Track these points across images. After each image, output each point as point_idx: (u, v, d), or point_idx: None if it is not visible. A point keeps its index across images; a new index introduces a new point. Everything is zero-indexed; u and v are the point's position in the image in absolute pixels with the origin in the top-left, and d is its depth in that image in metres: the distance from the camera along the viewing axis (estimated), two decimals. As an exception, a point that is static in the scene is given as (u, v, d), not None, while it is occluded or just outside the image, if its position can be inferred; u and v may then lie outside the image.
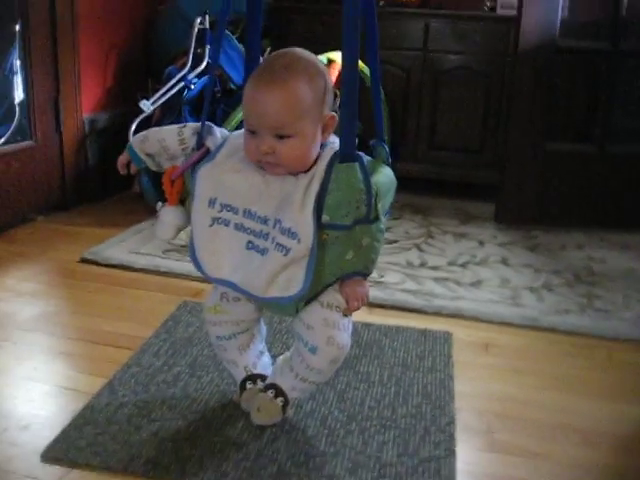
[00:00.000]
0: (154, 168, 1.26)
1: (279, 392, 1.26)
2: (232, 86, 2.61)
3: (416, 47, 2.89)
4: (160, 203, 1.25)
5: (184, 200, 1.24)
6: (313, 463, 1.18)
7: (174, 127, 1.23)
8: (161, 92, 2.49)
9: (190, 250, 1.16)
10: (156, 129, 1.25)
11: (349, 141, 1.08)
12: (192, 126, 1.22)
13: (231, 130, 2.24)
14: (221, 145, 1.17)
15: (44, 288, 1.91)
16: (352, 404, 1.36)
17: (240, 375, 1.31)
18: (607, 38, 2.53)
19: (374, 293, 1.81)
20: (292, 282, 1.09)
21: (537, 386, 1.49)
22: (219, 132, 1.21)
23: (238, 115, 2.40)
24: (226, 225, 1.13)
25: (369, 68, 1.21)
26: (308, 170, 1.10)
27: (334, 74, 2.35)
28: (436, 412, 1.35)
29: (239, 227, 1.12)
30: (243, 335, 1.29)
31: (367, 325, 1.70)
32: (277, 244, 1.09)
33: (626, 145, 2.60)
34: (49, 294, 1.87)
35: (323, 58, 2.44)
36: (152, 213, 2.43)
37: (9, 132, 2.44)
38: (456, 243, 2.41)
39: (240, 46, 2.63)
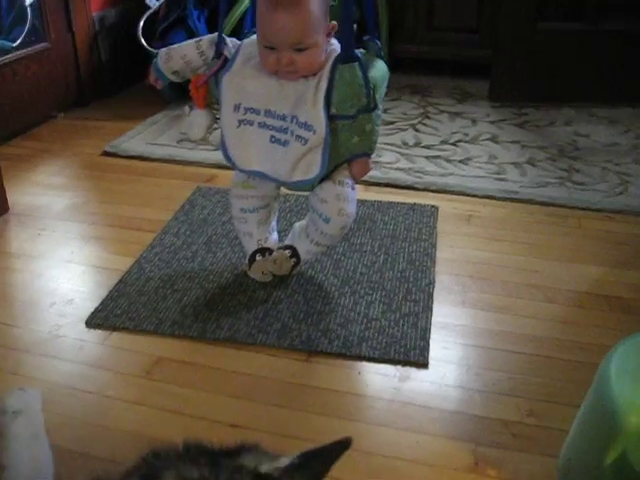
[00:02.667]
0: (179, 80, 1.44)
1: (294, 253, 1.49)
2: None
3: None
4: (188, 107, 1.44)
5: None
6: (311, 320, 1.41)
7: (192, 42, 1.39)
8: (165, -13, 2.59)
9: (222, 149, 1.37)
10: (176, 46, 1.40)
11: (349, 44, 1.26)
12: (208, 39, 1.38)
13: (232, 24, 2.38)
14: (236, 54, 1.33)
15: (71, 181, 2.11)
16: (346, 271, 1.58)
17: (252, 247, 1.52)
18: None
19: (370, 172, 1.98)
20: (311, 166, 1.31)
21: (509, 251, 1.69)
22: (231, 42, 1.37)
23: (241, 6, 2.50)
24: (251, 125, 1.33)
25: None
26: (315, 72, 1.28)
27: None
28: (418, 275, 1.56)
29: (262, 125, 1.32)
30: (264, 210, 1.49)
31: (362, 201, 1.88)
32: (296, 136, 1.29)
33: (618, 22, 2.66)
34: (76, 186, 2.08)
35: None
36: (165, 105, 2.61)
37: (23, 34, 2.57)
38: (451, 122, 2.55)
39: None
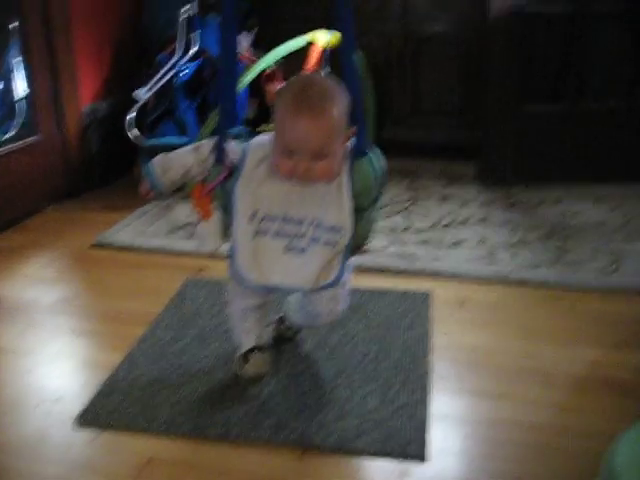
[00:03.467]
0: (173, 189, 1.37)
1: (289, 326, 1.58)
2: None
3: (395, 16, 3.01)
4: (195, 224, 1.40)
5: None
6: (307, 413, 1.38)
7: (190, 149, 1.34)
8: (154, 80, 2.64)
9: (232, 267, 1.30)
10: (173, 155, 1.33)
11: (363, 139, 1.27)
12: (206, 146, 1.33)
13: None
14: (243, 158, 1.29)
15: (61, 274, 2.09)
16: (340, 361, 1.55)
17: (249, 344, 1.46)
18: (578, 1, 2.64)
19: (362, 259, 1.98)
20: (333, 268, 1.28)
21: (504, 336, 1.68)
22: (235, 145, 1.31)
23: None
24: (264, 235, 1.27)
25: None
26: None
27: (314, 56, 2.49)
28: (413, 365, 1.53)
29: (277, 234, 1.27)
30: (265, 307, 1.46)
31: (354, 289, 1.86)
32: (325, 241, 1.26)
33: (598, 102, 2.73)
34: (66, 279, 2.06)
35: (305, 38, 2.57)
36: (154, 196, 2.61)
37: (13, 127, 2.60)
38: (440, 205, 2.57)
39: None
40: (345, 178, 1.26)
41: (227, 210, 1.32)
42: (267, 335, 1.53)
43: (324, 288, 1.30)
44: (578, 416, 1.38)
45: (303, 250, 1.27)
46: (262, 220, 1.27)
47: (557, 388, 1.48)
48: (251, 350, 1.46)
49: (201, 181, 1.34)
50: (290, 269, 1.28)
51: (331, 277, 1.29)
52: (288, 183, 1.25)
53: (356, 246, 1.35)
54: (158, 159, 1.34)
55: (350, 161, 1.27)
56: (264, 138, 1.31)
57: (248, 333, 1.47)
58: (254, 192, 1.27)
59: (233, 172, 1.29)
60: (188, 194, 1.37)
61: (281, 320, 1.60)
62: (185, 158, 1.33)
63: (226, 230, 1.35)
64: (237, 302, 1.45)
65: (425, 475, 1.23)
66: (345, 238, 1.27)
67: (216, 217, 1.35)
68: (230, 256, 1.31)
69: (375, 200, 1.32)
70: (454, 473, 1.24)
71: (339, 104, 1.22)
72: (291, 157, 1.21)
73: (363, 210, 1.30)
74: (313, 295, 1.36)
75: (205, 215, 1.34)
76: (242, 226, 1.28)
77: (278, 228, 1.27)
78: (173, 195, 2.59)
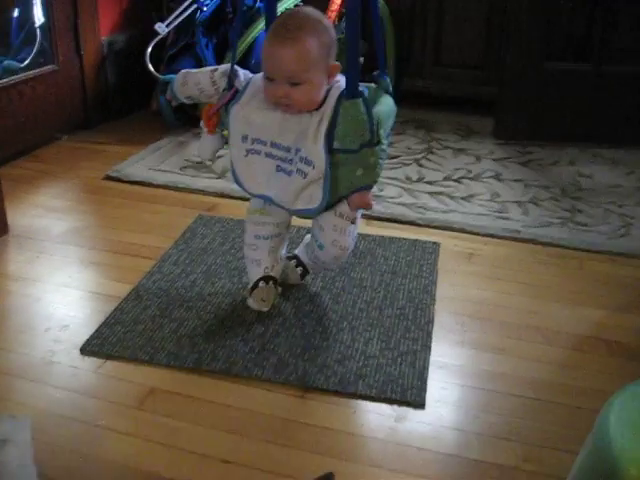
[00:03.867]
0: (191, 103, 1.58)
1: (299, 263, 1.61)
2: (244, 7, 2.70)
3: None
4: (203, 128, 1.48)
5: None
6: (308, 355, 1.40)
7: (207, 71, 1.46)
8: (174, 14, 2.60)
9: (232, 175, 1.43)
10: (192, 72, 1.49)
11: (353, 80, 1.29)
12: (221, 69, 1.44)
13: (243, 50, 2.40)
14: (245, 87, 1.39)
15: (72, 204, 2.10)
16: (344, 306, 1.57)
17: (258, 274, 1.52)
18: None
19: (373, 207, 1.98)
20: (313, 197, 1.34)
21: (510, 291, 1.68)
22: (243, 75, 1.42)
23: (251, 34, 2.52)
24: (258, 154, 1.37)
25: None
26: (319, 107, 1.31)
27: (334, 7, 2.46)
28: (417, 313, 1.55)
29: (269, 155, 1.37)
30: (277, 238, 1.52)
31: (364, 235, 1.88)
32: (297, 169, 1.33)
33: (622, 65, 2.67)
34: (77, 210, 2.07)
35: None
36: (169, 131, 2.61)
37: (31, 55, 2.59)
38: (454, 158, 2.55)
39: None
40: (326, 115, 1.30)
41: (228, 130, 1.42)
42: (278, 269, 1.55)
43: (303, 213, 1.40)
44: (578, 375, 1.39)
45: (290, 172, 1.35)
46: (253, 142, 1.37)
47: (559, 346, 1.48)
48: (259, 281, 1.51)
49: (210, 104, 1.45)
50: (278, 186, 1.37)
51: (310, 205, 1.35)
52: (275, 113, 1.34)
53: (352, 189, 1.35)
54: (180, 74, 1.50)
55: (337, 99, 1.30)
56: None
57: (257, 263, 1.52)
58: (245, 117, 1.37)
59: (235, 97, 1.39)
60: (200, 113, 1.48)
61: (290, 258, 1.62)
62: (200, 77, 1.46)
63: (222, 146, 1.50)
64: (250, 229, 1.52)
65: (421, 421, 1.25)
66: (316, 172, 1.31)
67: (217, 135, 1.46)
68: (231, 168, 1.43)
69: (370, 144, 1.30)
70: (450, 421, 1.26)
71: (317, 35, 1.29)
72: (272, 83, 1.31)
73: (352, 151, 1.30)
74: (319, 223, 1.43)
75: (209, 130, 1.45)
76: (236, 144, 1.39)
77: (269, 150, 1.36)
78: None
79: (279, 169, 1.36)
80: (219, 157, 2.15)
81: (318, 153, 1.30)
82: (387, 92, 1.41)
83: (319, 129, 1.30)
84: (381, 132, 1.31)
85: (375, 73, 1.42)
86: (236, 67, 1.41)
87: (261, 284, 1.51)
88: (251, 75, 1.42)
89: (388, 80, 1.42)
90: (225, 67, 1.44)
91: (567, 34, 2.69)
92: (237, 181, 1.43)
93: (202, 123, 1.45)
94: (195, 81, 1.47)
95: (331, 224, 1.41)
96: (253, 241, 1.52)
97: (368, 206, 1.39)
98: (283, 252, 1.57)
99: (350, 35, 1.27)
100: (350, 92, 1.29)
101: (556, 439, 1.22)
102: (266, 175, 1.38)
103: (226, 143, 1.46)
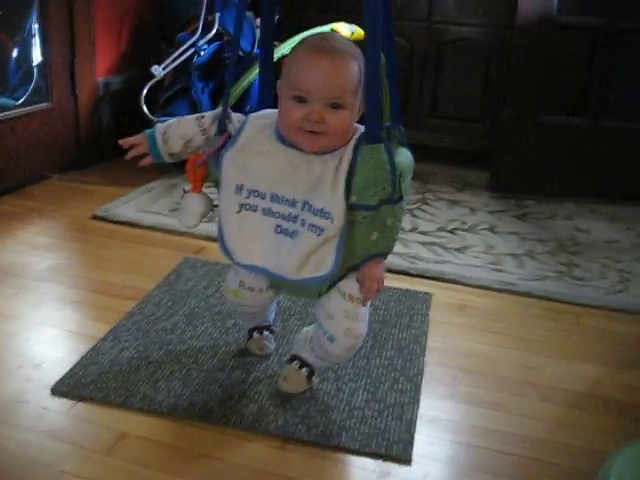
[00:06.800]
0: (173, 161, 1.28)
1: (304, 363, 1.35)
2: (241, 53, 2.71)
3: (420, 18, 2.96)
4: (183, 191, 1.28)
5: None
6: (290, 404, 1.32)
7: (192, 118, 1.25)
8: (172, 57, 2.60)
9: (219, 237, 1.19)
10: (174, 122, 1.25)
11: (375, 123, 1.11)
12: (210, 114, 1.25)
13: (238, 94, 2.37)
14: (241, 128, 1.18)
15: (57, 242, 2.05)
16: (331, 355, 1.50)
17: (249, 325, 1.49)
18: (606, 14, 2.58)
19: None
20: (323, 262, 1.13)
21: (504, 345, 1.62)
22: (236, 117, 1.23)
23: (248, 78, 2.50)
24: (254, 211, 1.16)
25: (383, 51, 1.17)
26: (334, 151, 1.13)
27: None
28: (406, 364, 1.48)
29: (267, 212, 1.15)
30: (260, 312, 1.42)
31: (354, 285, 1.82)
32: (310, 225, 1.12)
33: (619, 120, 2.67)
34: (62, 247, 2.02)
35: (327, 28, 2.53)
36: (161, 174, 2.58)
37: (27, 93, 2.57)
38: (449, 210, 2.51)
39: (248, 13, 2.72)
40: (345, 160, 1.11)
41: (218, 186, 1.23)
42: (271, 314, 1.51)
43: (309, 282, 1.16)
44: (572, 433, 1.32)
45: (295, 233, 1.14)
46: (249, 195, 1.16)
47: (554, 403, 1.42)
48: (252, 330, 1.49)
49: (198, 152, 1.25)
50: (278, 253, 1.15)
51: (320, 271, 1.13)
52: (282, 158, 1.14)
53: (364, 257, 1.17)
54: (157, 129, 1.25)
55: (355, 144, 1.12)
56: (269, 110, 1.23)
57: (246, 321, 1.50)
58: (243, 164, 1.16)
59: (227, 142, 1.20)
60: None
61: (291, 359, 1.38)
62: (186, 127, 1.24)
63: (212, 210, 1.27)
64: (230, 303, 1.37)
65: (407, 478, 1.18)
66: (334, 226, 1.11)
67: (203, 195, 1.25)
68: (218, 230, 1.20)
69: (390, 200, 1.11)
70: (438, 479, 1.18)
71: (359, 60, 1.11)
72: (303, 105, 1.10)
73: (370, 207, 1.11)
74: (325, 311, 1.22)
75: (194, 188, 1.24)
76: (227, 197, 1.18)
77: (268, 206, 1.15)
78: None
79: (279, 230, 1.15)
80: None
81: (338, 202, 1.10)
82: (402, 144, 1.20)
83: (337, 175, 1.11)
84: (403, 186, 1.13)
85: (387, 124, 1.21)
86: (229, 110, 1.23)
87: (255, 335, 1.48)
88: (245, 117, 1.22)
89: (402, 130, 1.22)
90: (214, 112, 1.25)
91: (564, 88, 2.69)
92: (224, 247, 1.19)
93: (185, 186, 1.22)
94: (180, 134, 1.23)
95: (341, 310, 1.19)
96: (236, 311, 1.42)
97: (379, 286, 1.18)
98: (272, 307, 1.49)
99: (371, 70, 1.09)
100: (370, 135, 1.11)
101: (550, 501, 1.15)
102: (262, 239, 1.16)
103: (215, 205, 1.26)
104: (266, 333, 1.49)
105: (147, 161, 1.27)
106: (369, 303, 1.24)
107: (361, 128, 1.15)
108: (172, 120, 1.26)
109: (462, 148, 3.04)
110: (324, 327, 1.22)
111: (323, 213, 1.11)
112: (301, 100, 1.10)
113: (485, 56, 2.92)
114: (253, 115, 1.21)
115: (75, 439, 1.22)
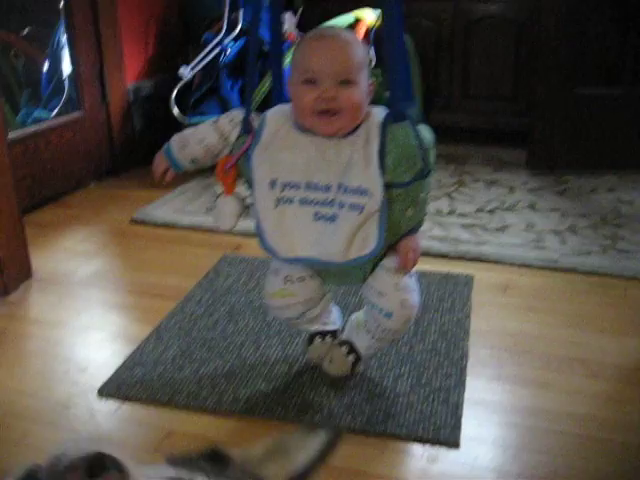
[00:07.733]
0: (195, 168, 1.29)
1: (352, 349, 1.34)
2: (265, 48, 2.70)
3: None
4: (216, 194, 1.28)
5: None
6: (334, 394, 1.32)
7: (208, 124, 1.24)
8: (198, 58, 2.61)
9: (259, 236, 1.18)
10: (189, 131, 1.25)
11: (400, 102, 1.12)
12: (227, 117, 1.24)
13: (265, 91, 2.37)
14: (261, 126, 1.18)
15: (98, 248, 2.08)
16: (373, 342, 1.49)
17: (310, 329, 1.40)
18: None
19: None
20: (368, 240, 1.13)
21: (549, 323, 1.59)
22: (254, 116, 1.22)
23: (269, 81, 2.50)
24: (290, 203, 1.16)
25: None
26: (354, 131, 1.14)
27: (361, 33, 2.42)
28: (450, 348, 1.46)
29: (304, 201, 1.15)
30: (313, 310, 1.33)
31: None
32: (350, 205, 1.12)
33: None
34: (102, 253, 2.04)
35: (351, 16, 2.52)
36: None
37: (59, 105, 2.61)
38: (486, 190, 2.47)
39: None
40: (374, 138, 1.12)
41: (251, 185, 1.21)
42: (334, 318, 1.43)
43: (357, 262, 1.15)
44: (623, 408, 1.29)
45: (334, 217, 1.13)
46: (284, 188, 1.16)
47: (603, 379, 1.39)
48: (314, 336, 1.40)
49: (227, 155, 1.23)
50: (321, 239, 1.15)
51: (366, 249, 1.13)
52: (309, 147, 1.15)
53: (401, 233, 1.18)
54: (174, 137, 1.26)
55: (382, 124, 1.13)
56: (282, 105, 1.23)
57: (304, 328, 1.41)
58: (272, 159, 1.16)
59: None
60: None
61: (341, 344, 1.37)
62: (203, 133, 1.23)
63: (247, 209, 1.26)
64: (276, 314, 1.35)
65: (456, 462, 1.16)
66: (373, 202, 1.11)
67: (236, 196, 1.25)
68: (256, 229, 1.19)
69: (420, 175, 1.12)
70: (486, 462, 1.16)
71: (359, 44, 1.17)
72: (314, 87, 1.12)
73: (404, 184, 1.12)
74: (376, 290, 1.22)
75: (226, 191, 1.24)
76: (262, 195, 1.17)
77: (304, 195, 1.15)
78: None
79: (318, 217, 1.14)
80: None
81: (374, 178, 1.11)
82: (419, 122, 1.18)
83: (368, 152, 1.12)
84: (431, 160, 1.14)
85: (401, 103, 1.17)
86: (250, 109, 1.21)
87: (317, 340, 1.39)
88: (262, 114, 1.22)
89: (417, 108, 1.18)
90: (233, 114, 1.24)
91: (598, 58, 2.62)
92: (265, 244, 1.18)
93: (216, 188, 1.24)
94: (198, 139, 1.23)
95: (391, 284, 1.20)
96: (286, 322, 1.38)
97: (416, 255, 1.20)
98: (330, 307, 1.41)
99: (395, 50, 1.10)
100: (397, 114, 1.12)
101: (604, 478, 1.12)
102: (303, 229, 1.15)
103: (246, 207, 1.26)
104: (329, 339, 1.39)
105: (170, 175, 1.28)
106: (417, 275, 1.26)
107: (377, 110, 1.16)
108: (188, 129, 1.26)
109: (497, 127, 2.99)
110: (378, 306, 1.22)
111: (361, 191, 1.12)
112: (312, 82, 1.13)
113: (514, 32, 2.86)
114: (270, 112, 1.22)
115: (123, 439, 1.23)
